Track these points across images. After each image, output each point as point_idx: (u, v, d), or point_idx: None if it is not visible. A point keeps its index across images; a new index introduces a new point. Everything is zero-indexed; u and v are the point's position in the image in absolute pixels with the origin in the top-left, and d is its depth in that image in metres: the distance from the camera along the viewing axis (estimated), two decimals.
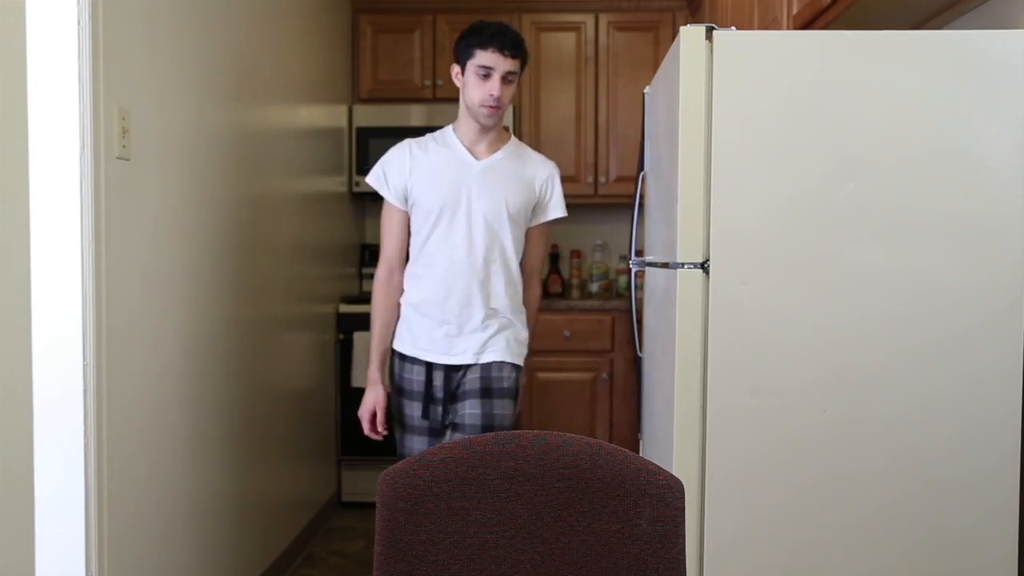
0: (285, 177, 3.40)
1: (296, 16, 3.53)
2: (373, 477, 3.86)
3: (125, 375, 2.10)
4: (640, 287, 3.03)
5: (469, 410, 2.45)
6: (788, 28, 2.56)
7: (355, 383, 4.04)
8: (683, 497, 1.44)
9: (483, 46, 2.35)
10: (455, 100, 4.33)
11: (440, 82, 4.39)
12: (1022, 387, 1.93)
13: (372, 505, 1.45)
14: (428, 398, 2.48)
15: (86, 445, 1.96)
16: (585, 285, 4.64)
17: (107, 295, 2.01)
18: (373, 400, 2.53)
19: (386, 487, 1.42)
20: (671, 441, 2.06)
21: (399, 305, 2.55)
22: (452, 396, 2.50)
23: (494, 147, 2.50)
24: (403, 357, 2.53)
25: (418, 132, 4.42)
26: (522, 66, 2.41)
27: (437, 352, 2.48)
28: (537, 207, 2.55)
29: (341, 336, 4.12)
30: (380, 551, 1.42)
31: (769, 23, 2.77)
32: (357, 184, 4.35)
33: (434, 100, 4.39)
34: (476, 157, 2.46)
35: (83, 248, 1.94)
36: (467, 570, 1.41)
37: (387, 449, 4.16)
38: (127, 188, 2.11)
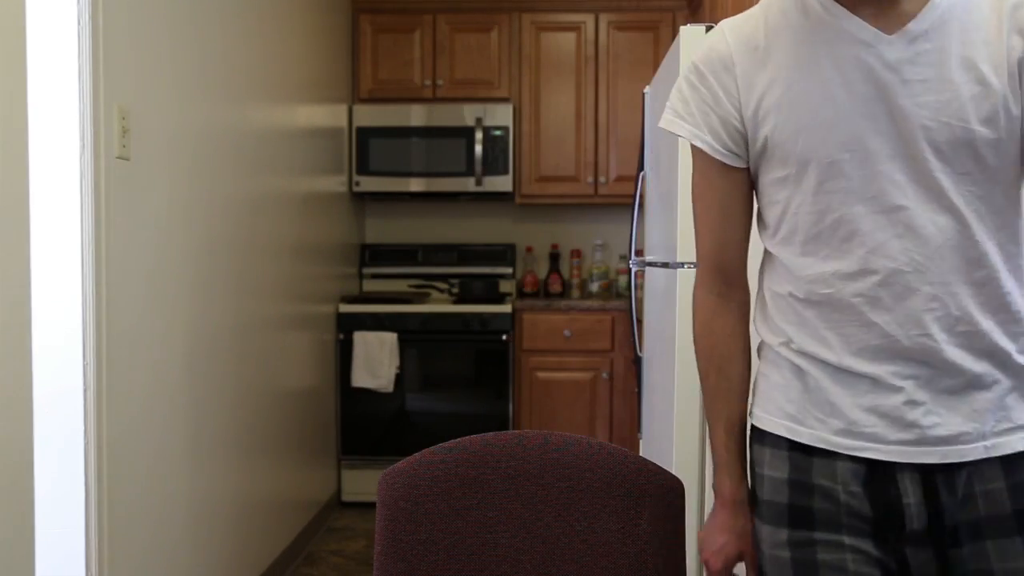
0: (285, 177, 3.40)
1: (296, 16, 3.53)
2: (373, 477, 3.86)
3: (125, 375, 2.10)
4: (640, 287, 3.03)
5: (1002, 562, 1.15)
6: None
7: (355, 383, 4.04)
8: (683, 497, 1.44)
9: None
10: (455, 100, 4.29)
11: (440, 82, 4.39)
12: None
13: (372, 505, 1.45)
14: (888, 528, 1.18)
15: (86, 444, 1.96)
16: (585, 285, 4.65)
17: (107, 295, 2.01)
18: (725, 541, 1.33)
19: (386, 487, 1.42)
20: (671, 441, 2.06)
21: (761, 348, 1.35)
22: (942, 528, 1.17)
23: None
24: (804, 449, 1.23)
25: (418, 132, 4.44)
26: None
27: (892, 436, 1.18)
28: None
29: (341, 336, 4.12)
30: (380, 551, 1.42)
31: None
32: (357, 184, 4.36)
33: (434, 100, 4.39)
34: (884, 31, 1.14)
35: (83, 248, 1.94)
36: (467, 570, 1.41)
37: (387, 449, 4.18)
38: (127, 188, 2.11)
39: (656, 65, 4.25)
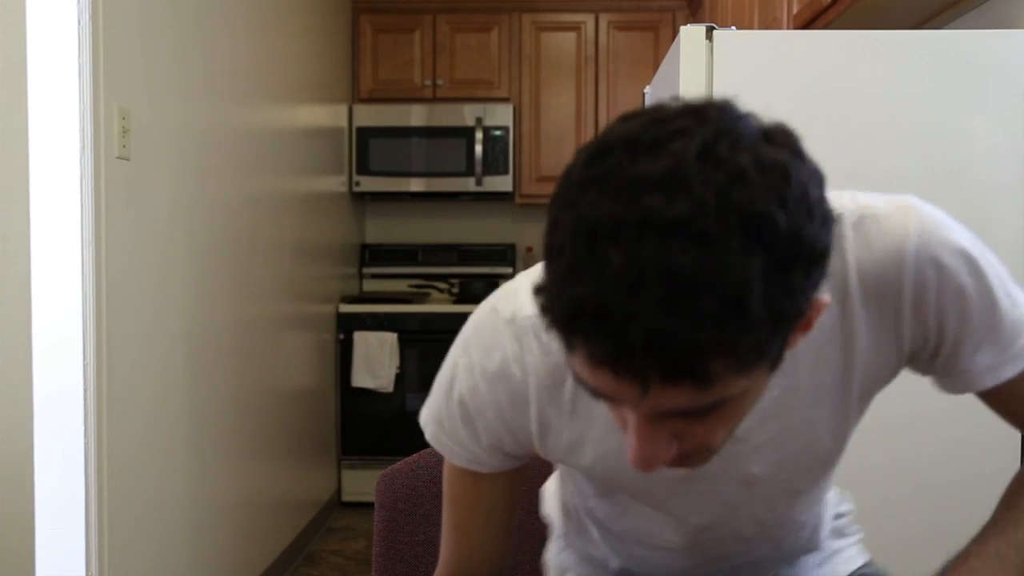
0: (285, 177, 3.40)
1: (296, 16, 3.53)
2: (373, 477, 3.86)
3: (125, 375, 2.10)
4: None
5: None
6: (788, 28, 2.56)
7: (355, 383, 4.04)
8: None
9: (560, 332, 0.64)
10: (455, 100, 4.28)
11: (440, 82, 4.39)
12: None
13: (372, 505, 1.45)
14: None
15: (86, 445, 1.96)
16: None
17: (107, 295, 2.01)
18: None
19: (385, 488, 1.42)
20: None
21: None
22: None
23: None
24: None
25: (418, 132, 4.43)
26: (776, 351, 0.64)
27: None
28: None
29: (341, 336, 4.12)
30: (379, 551, 1.41)
31: (769, 23, 2.77)
32: (357, 184, 4.36)
33: (434, 100, 4.39)
34: None
35: (83, 248, 1.94)
36: None
37: (387, 449, 4.17)
38: (127, 188, 2.11)
39: (656, 65, 4.25)
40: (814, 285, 0.65)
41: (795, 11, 2.50)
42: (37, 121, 1.92)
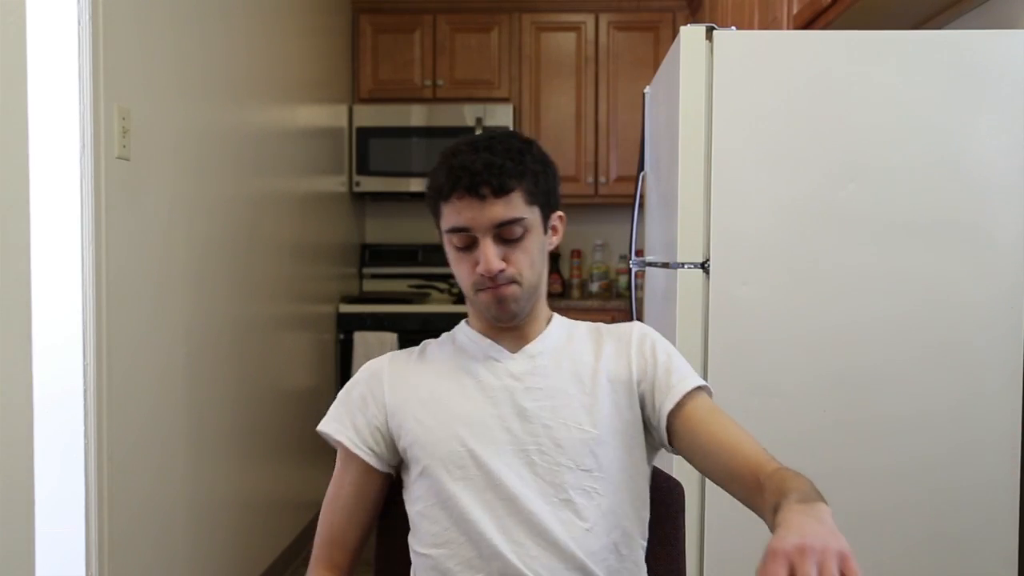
0: (285, 177, 3.40)
1: (296, 16, 3.53)
2: None
3: (125, 375, 2.10)
4: (640, 287, 3.03)
5: None
6: (788, 28, 2.56)
7: None
8: (683, 497, 1.44)
9: (444, 195, 1.28)
10: (455, 100, 4.28)
11: (440, 82, 4.39)
12: (1022, 388, 1.93)
13: None
14: None
15: (86, 445, 1.96)
16: (585, 285, 4.64)
17: (107, 295, 2.01)
18: None
19: None
20: None
21: None
22: None
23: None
24: None
25: (418, 132, 4.44)
26: (533, 199, 1.29)
27: None
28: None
29: (341, 336, 4.12)
30: (378, 552, 1.42)
31: (769, 23, 2.77)
32: (357, 184, 4.35)
33: (434, 100, 4.39)
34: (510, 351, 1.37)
35: (83, 248, 1.94)
36: None
37: None
38: (127, 188, 2.11)
39: (656, 65, 4.25)
40: (556, 202, 1.33)
41: (795, 11, 2.50)
42: (37, 121, 1.92)
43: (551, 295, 4.49)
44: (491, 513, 1.24)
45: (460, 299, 4.33)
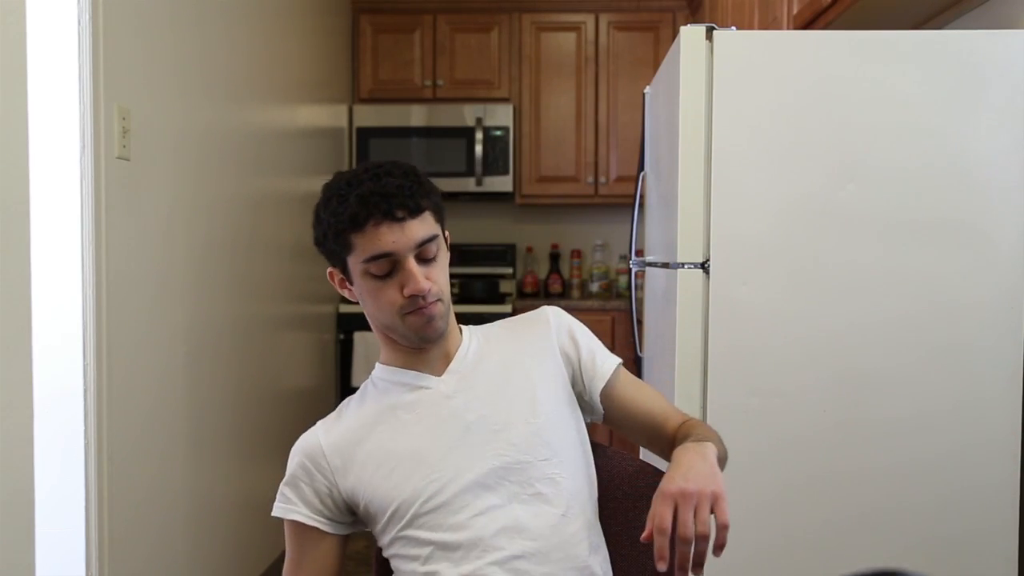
0: (285, 177, 3.40)
1: (296, 16, 3.53)
2: None
3: (125, 375, 2.10)
4: (640, 287, 3.03)
5: None
6: (788, 28, 2.56)
7: (355, 383, 4.04)
8: None
9: (358, 224, 1.26)
10: (455, 100, 4.27)
11: (440, 82, 4.39)
12: (1022, 387, 1.93)
13: None
14: None
15: (86, 445, 1.96)
16: (585, 285, 4.64)
17: (107, 295, 2.01)
18: None
19: None
20: None
21: None
22: None
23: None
24: None
25: (418, 132, 4.44)
26: (437, 216, 1.32)
27: None
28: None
29: (341, 336, 4.12)
30: (379, 552, 1.41)
31: (769, 23, 2.77)
32: None
33: (434, 100, 4.39)
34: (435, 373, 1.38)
35: (83, 248, 1.94)
36: None
37: None
38: (127, 188, 2.11)
39: (656, 65, 4.25)
40: (442, 220, 1.33)
41: (795, 11, 2.50)
42: (37, 121, 1.92)
43: (552, 295, 4.51)
44: (466, 539, 1.26)
45: (460, 299, 4.33)
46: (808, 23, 2.42)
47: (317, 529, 1.37)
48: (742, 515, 1.99)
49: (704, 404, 2.00)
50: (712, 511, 1.13)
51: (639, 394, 1.44)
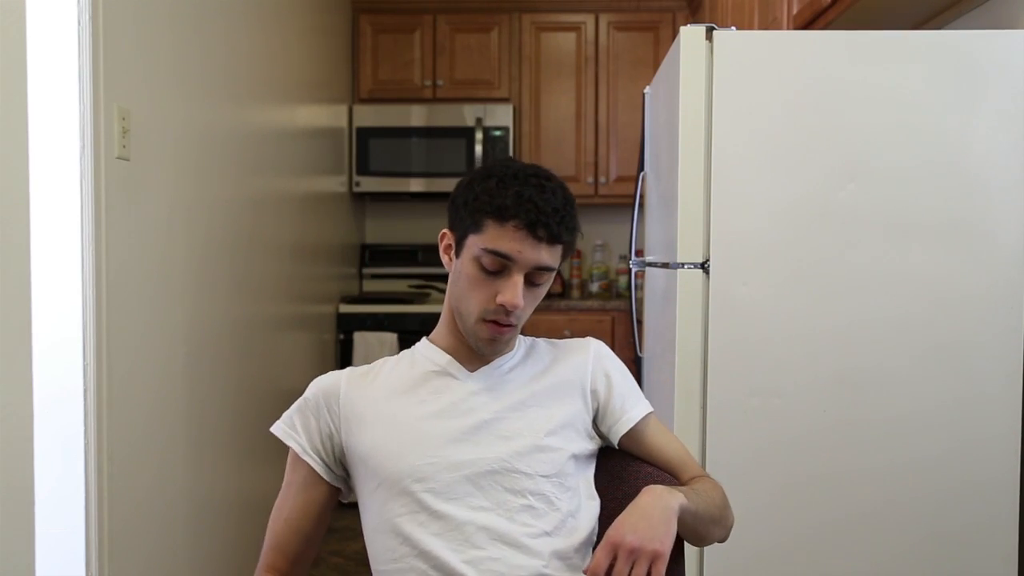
0: (285, 177, 3.40)
1: (296, 16, 3.53)
2: None
3: (125, 376, 2.10)
4: (640, 287, 3.03)
5: None
6: (788, 28, 2.56)
7: None
8: None
9: (502, 217, 1.27)
10: (455, 100, 4.26)
11: (440, 82, 4.39)
12: (1022, 387, 1.93)
13: None
14: None
15: (86, 445, 1.96)
16: (585, 285, 4.64)
17: (107, 295, 2.01)
18: None
19: None
20: None
21: None
22: None
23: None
24: None
25: (418, 132, 4.44)
26: (566, 253, 1.33)
27: None
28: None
29: (341, 336, 4.12)
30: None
31: (769, 23, 2.77)
32: (357, 184, 4.35)
33: (434, 100, 4.39)
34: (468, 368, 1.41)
35: (83, 248, 1.94)
36: None
37: None
38: (127, 188, 2.11)
39: (656, 65, 4.25)
40: (566, 258, 1.33)
41: (795, 11, 2.50)
42: (37, 121, 1.92)
43: (551, 295, 4.51)
44: (444, 529, 1.27)
45: None
46: (808, 23, 2.42)
47: (311, 469, 1.43)
48: (742, 515, 1.99)
49: (704, 404, 2.00)
50: (649, 571, 1.13)
51: (661, 444, 1.43)
